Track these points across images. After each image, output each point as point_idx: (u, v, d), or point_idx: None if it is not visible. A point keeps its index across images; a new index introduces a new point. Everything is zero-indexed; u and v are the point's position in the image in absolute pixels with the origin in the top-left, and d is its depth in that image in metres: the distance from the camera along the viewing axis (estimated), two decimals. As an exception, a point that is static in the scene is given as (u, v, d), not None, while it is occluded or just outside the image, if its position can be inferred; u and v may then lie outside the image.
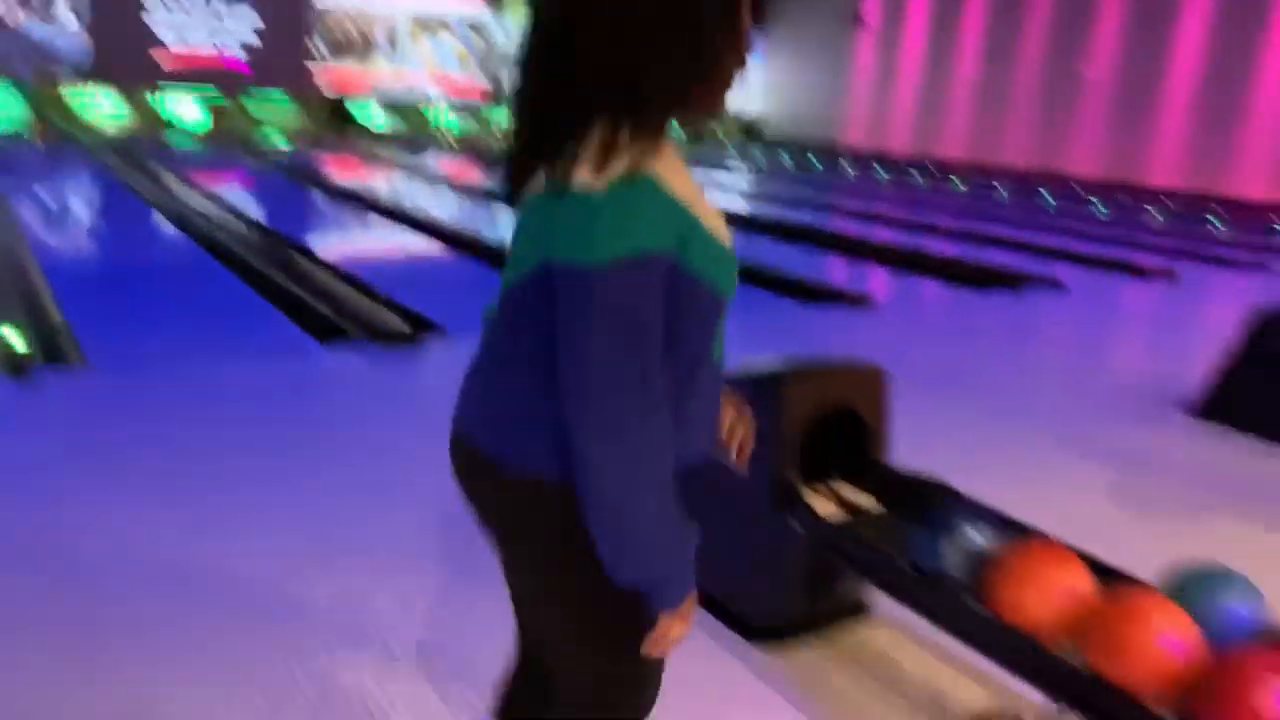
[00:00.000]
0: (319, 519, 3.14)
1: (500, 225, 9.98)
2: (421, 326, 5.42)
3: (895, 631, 2.59)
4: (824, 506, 2.48)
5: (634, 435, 1.14)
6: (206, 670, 2.33)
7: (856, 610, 2.65)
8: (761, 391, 2.39)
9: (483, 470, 1.31)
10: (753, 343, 2.85)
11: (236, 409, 4.13)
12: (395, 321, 5.36)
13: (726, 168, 16.38)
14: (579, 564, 1.24)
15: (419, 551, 2.95)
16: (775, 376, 2.48)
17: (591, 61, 1.18)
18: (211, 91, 18.69)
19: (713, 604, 2.60)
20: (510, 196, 1.31)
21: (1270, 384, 4.49)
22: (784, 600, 2.53)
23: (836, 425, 2.56)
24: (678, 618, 1.25)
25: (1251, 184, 15.79)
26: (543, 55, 1.23)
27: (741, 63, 1.24)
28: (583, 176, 1.15)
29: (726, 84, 1.24)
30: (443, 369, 4.97)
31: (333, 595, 2.69)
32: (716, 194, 12.55)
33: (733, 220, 1.36)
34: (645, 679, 1.40)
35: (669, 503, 1.20)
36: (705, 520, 1.32)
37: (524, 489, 1.27)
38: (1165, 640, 1.70)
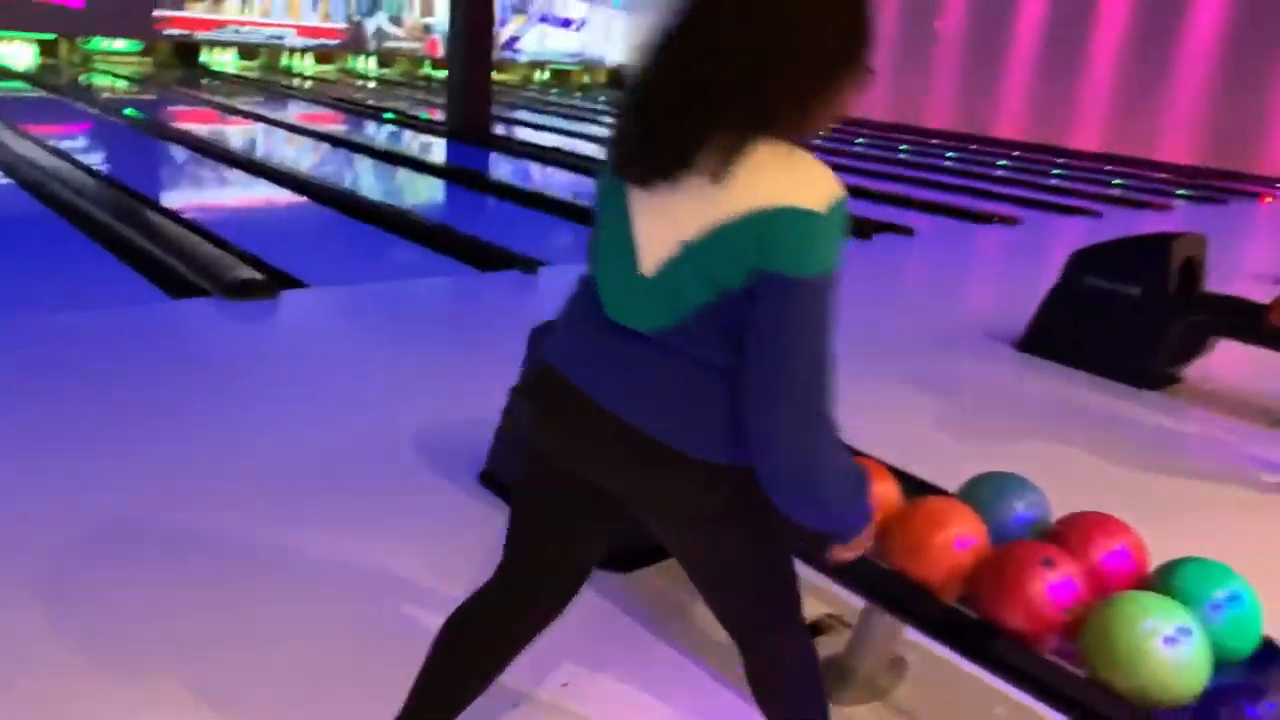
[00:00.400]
0: (180, 468, 3.11)
1: (356, 173, 9.75)
2: (278, 278, 5.32)
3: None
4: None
5: (829, 417, 1.36)
6: (73, 616, 2.32)
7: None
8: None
9: (660, 457, 1.42)
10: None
11: (87, 363, 3.99)
12: (249, 273, 5.22)
13: (595, 119, 16.33)
14: (756, 522, 1.50)
15: (292, 499, 2.97)
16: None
17: (728, 79, 1.27)
18: (44, 35, 17.43)
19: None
20: (630, 178, 1.38)
21: (1078, 319, 4.92)
22: (635, 532, 2.66)
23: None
24: (856, 545, 1.54)
25: (1088, 137, 16.82)
26: (678, 64, 1.31)
27: (862, 83, 1.35)
28: (794, 195, 1.28)
29: (846, 100, 1.36)
30: (301, 320, 4.90)
31: (191, 541, 2.69)
32: (586, 145, 12.55)
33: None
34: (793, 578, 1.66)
35: (850, 462, 1.43)
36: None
37: (710, 473, 1.42)
38: (957, 540, 1.91)
